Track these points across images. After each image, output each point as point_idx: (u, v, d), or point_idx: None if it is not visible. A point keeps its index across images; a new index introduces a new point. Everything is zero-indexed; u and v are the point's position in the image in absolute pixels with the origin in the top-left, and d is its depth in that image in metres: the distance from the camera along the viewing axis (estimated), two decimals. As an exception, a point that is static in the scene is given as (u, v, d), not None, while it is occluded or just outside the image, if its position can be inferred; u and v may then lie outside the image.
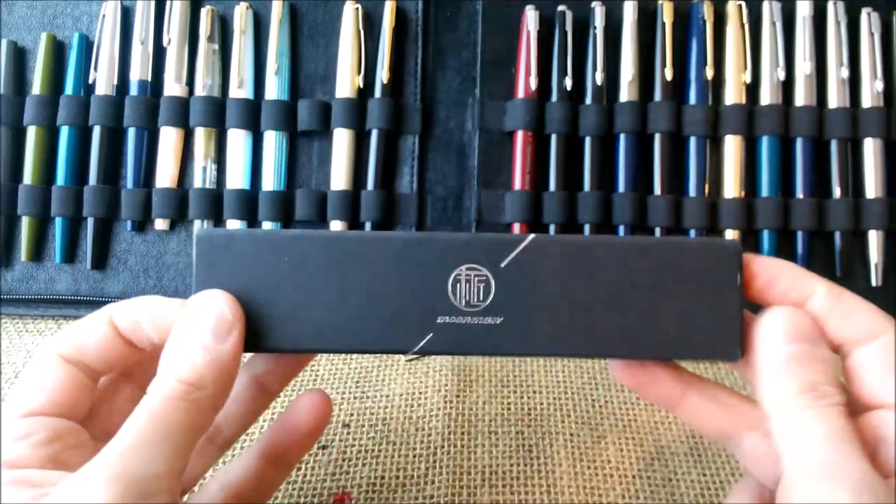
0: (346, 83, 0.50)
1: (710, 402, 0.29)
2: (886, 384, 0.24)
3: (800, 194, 0.48)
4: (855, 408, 0.25)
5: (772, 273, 0.27)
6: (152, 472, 0.22)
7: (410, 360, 0.44)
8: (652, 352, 0.27)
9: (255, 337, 0.27)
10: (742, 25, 0.50)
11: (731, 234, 0.48)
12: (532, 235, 0.27)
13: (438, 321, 0.27)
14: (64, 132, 0.49)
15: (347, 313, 0.27)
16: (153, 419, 0.23)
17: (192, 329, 0.25)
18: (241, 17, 0.50)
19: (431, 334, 0.27)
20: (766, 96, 0.49)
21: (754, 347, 0.25)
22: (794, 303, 0.26)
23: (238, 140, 0.50)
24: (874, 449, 0.23)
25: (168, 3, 0.50)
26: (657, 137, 0.49)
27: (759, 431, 0.28)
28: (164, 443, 0.23)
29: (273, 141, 0.49)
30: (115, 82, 0.50)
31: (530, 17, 0.50)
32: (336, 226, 0.49)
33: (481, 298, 0.27)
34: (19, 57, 0.51)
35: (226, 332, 0.25)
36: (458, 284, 0.27)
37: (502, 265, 0.27)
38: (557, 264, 0.27)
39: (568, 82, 0.50)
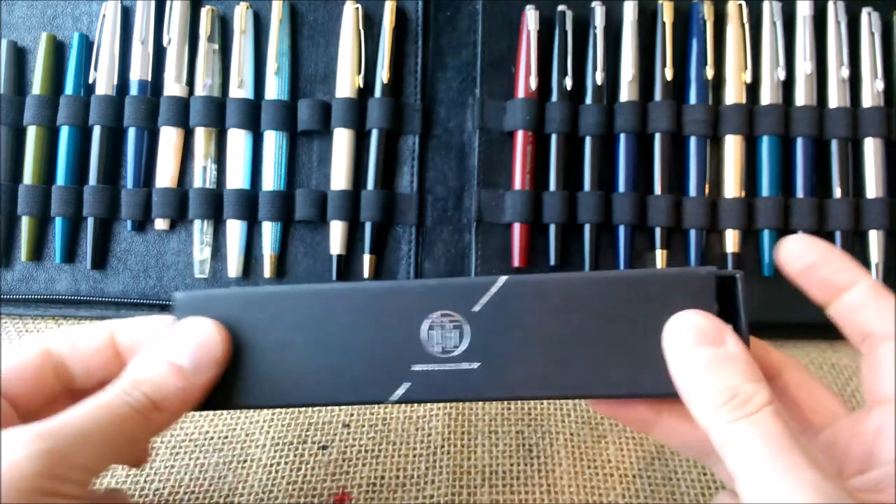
0: (346, 83, 0.50)
1: (684, 422, 0.28)
2: None
3: (800, 194, 0.48)
4: (866, 400, 0.25)
5: (822, 255, 0.27)
6: (79, 463, 0.22)
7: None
8: (634, 390, 0.26)
9: (230, 392, 0.27)
10: (742, 25, 0.50)
11: (730, 234, 0.48)
12: (504, 278, 0.27)
13: (414, 369, 0.27)
14: (64, 132, 0.49)
15: (322, 366, 0.27)
16: (106, 416, 0.23)
17: (174, 350, 0.25)
18: (241, 17, 0.50)
19: (410, 383, 0.27)
20: (767, 96, 0.49)
21: (667, 360, 0.25)
22: (838, 288, 0.26)
23: (238, 140, 0.50)
24: (873, 441, 0.23)
25: (168, 3, 0.50)
26: (657, 137, 0.49)
27: None
28: (104, 442, 0.22)
29: (273, 141, 0.49)
30: (115, 82, 0.50)
31: (530, 16, 0.50)
32: (336, 226, 0.49)
33: (457, 344, 0.27)
34: (19, 57, 0.51)
35: (206, 365, 0.25)
36: (433, 331, 0.27)
37: (476, 309, 0.27)
38: (532, 305, 0.27)
39: (568, 82, 0.50)
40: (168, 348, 0.25)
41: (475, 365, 0.27)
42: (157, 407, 0.24)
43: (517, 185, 0.49)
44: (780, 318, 0.47)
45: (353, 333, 0.27)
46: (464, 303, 0.27)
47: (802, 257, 0.27)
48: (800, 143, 0.49)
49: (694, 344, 0.24)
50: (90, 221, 0.49)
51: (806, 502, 0.20)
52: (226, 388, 0.27)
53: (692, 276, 0.26)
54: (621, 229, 0.48)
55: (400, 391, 0.27)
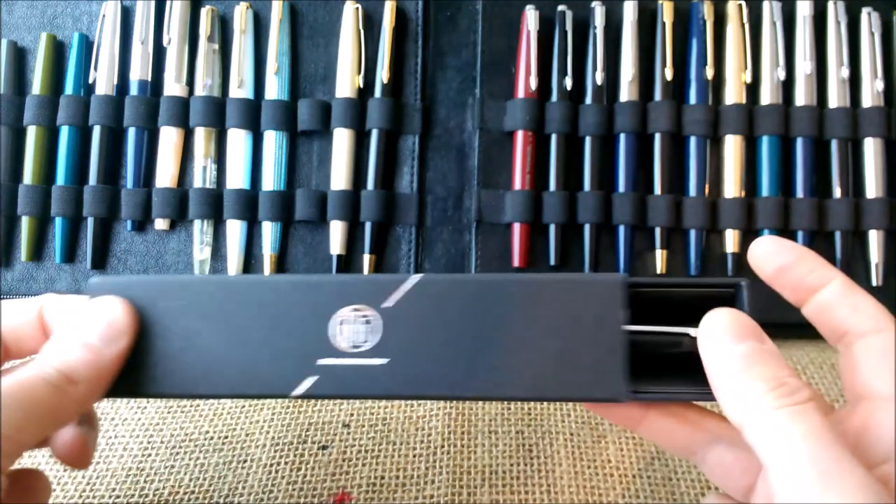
0: (346, 83, 0.50)
1: (671, 419, 0.28)
2: (882, 376, 0.24)
3: (800, 194, 0.48)
4: (847, 398, 0.25)
5: (793, 256, 0.27)
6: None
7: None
8: (539, 392, 0.26)
9: (139, 379, 0.27)
10: (742, 25, 0.50)
11: (731, 234, 0.48)
12: (419, 276, 0.27)
13: (320, 363, 0.26)
14: (64, 132, 0.49)
15: (229, 358, 0.27)
16: (17, 389, 0.23)
17: (83, 326, 0.26)
18: (241, 17, 0.50)
19: (318, 377, 0.26)
20: (767, 96, 0.49)
21: (703, 358, 0.25)
22: (810, 288, 0.26)
23: (238, 140, 0.50)
24: (857, 439, 0.23)
25: (168, 3, 0.50)
26: (657, 137, 0.49)
27: (723, 442, 0.27)
28: (18, 414, 0.23)
29: (273, 141, 0.49)
30: (115, 82, 0.50)
31: (530, 17, 0.50)
32: (336, 226, 0.49)
33: (367, 340, 0.27)
34: (19, 57, 0.51)
35: (112, 338, 0.26)
36: (343, 326, 0.27)
37: (389, 306, 0.27)
38: (446, 304, 0.26)
39: (568, 82, 0.50)
40: (77, 323, 0.26)
41: (383, 361, 0.26)
42: (70, 380, 0.24)
43: (517, 185, 0.49)
44: (780, 318, 0.46)
45: (261, 326, 0.27)
46: (376, 298, 0.27)
47: (773, 259, 0.27)
48: (800, 143, 0.49)
49: (735, 339, 0.24)
50: (90, 221, 0.49)
51: (850, 502, 0.20)
52: (135, 375, 0.27)
53: (603, 281, 0.27)
54: (621, 229, 0.48)
55: (304, 385, 0.26)
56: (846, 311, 0.25)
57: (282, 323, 0.27)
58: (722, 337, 0.24)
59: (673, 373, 0.28)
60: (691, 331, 0.27)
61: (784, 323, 0.46)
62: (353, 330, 0.27)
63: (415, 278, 0.27)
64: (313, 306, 0.27)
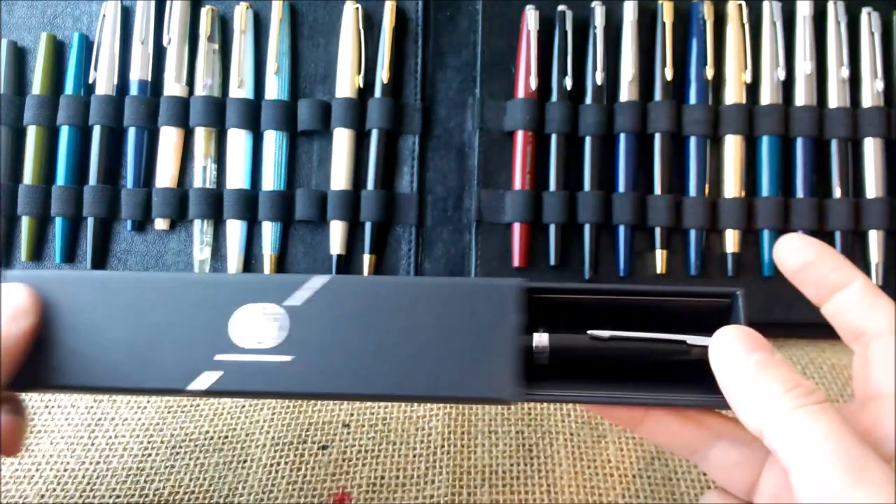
0: (346, 83, 0.50)
1: (673, 417, 0.28)
2: (893, 377, 0.24)
3: (800, 194, 0.48)
4: (858, 397, 0.25)
5: (817, 254, 0.27)
6: None
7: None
8: (435, 391, 0.27)
9: (43, 370, 0.27)
10: (742, 25, 0.50)
11: (731, 234, 0.48)
12: (328, 277, 0.27)
13: (219, 359, 0.27)
14: (64, 132, 0.49)
15: (130, 353, 0.27)
16: None
17: None
18: (241, 17, 0.50)
19: (217, 373, 0.27)
20: (767, 96, 0.49)
21: (716, 371, 0.25)
22: (832, 286, 0.26)
23: (238, 140, 0.50)
24: (866, 437, 0.23)
25: (168, 3, 0.50)
26: (657, 137, 0.49)
27: (725, 440, 0.28)
28: None
29: (273, 141, 0.49)
30: (115, 82, 0.50)
31: (530, 16, 0.50)
32: (336, 226, 0.49)
33: (272, 337, 0.27)
34: (19, 57, 0.51)
35: (14, 317, 0.27)
36: (245, 323, 0.27)
37: (297, 304, 0.27)
38: (353, 305, 0.27)
39: (568, 82, 0.50)
40: None
41: (288, 358, 0.27)
42: None
43: (517, 185, 0.49)
44: (780, 318, 0.47)
45: (164, 322, 0.27)
46: (285, 297, 0.27)
47: (798, 256, 0.27)
48: (800, 143, 0.49)
49: (747, 350, 0.24)
50: (90, 221, 0.49)
51: (876, 502, 0.20)
52: (42, 367, 0.27)
53: (499, 286, 0.27)
54: (621, 229, 0.48)
55: (201, 381, 0.27)
56: (864, 312, 0.26)
57: (183, 319, 0.27)
58: (735, 348, 0.24)
59: (677, 380, 0.28)
60: (688, 338, 0.28)
61: (783, 323, 0.47)
62: (257, 327, 0.27)
63: (324, 279, 0.27)
64: (216, 303, 0.27)
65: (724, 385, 0.25)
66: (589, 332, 0.28)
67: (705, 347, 0.26)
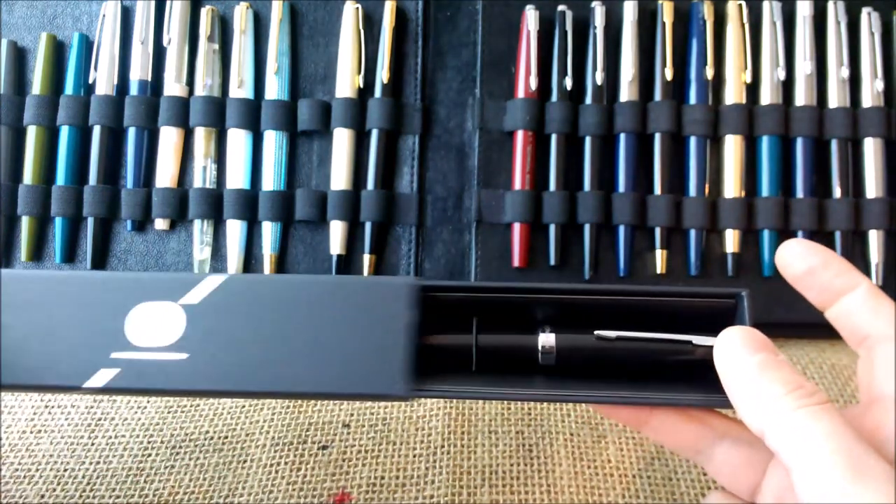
0: (346, 83, 0.50)
1: (677, 417, 0.29)
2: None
3: (800, 194, 0.48)
4: (862, 400, 0.26)
5: (821, 259, 0.27)
6: None
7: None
8: (329, 388, 0.27)
9: None
10: (742, 25, 0.50)
11: (731, 234, 0.48)
12: (224, 275, 0.28)
13: (114, 357, 0.27)
14: (64, 132, 0.49)
15: (32, 351, 0.27)
16: None
17: None
18: (241, 17, 0.50)
19: (111, 371, 0.27)
20: (767, 96, 0.49)
21: (720, 371, 0.25)
22: (836, 291, 0.27)
23: (238, 140, 0.50)
24: (870, 439, 0.23)
25: (168, 3, 0.50)
26: (657, 137, 0.49)
27: (728, 440, 0.28)
28: None
29: (273, 141, 0.49)
30: (115, 82, 0.50)
31: (530, 16, 0.50)
32: (336, 226, 0.49)
33: (168, 335, 0.27)
34: (19, 57, 0.51)
35: None
36: (142, 321, 0.27)
37: (193, 303, 0.28)
38: (247, 304, 0.27)
39: (568, 82, 0.50)
40: None
41: (183, 356, 0.27)
42: None
43: (517, 185, 0.49)
44: (780, 318, 0.47)
45: (62, 320, 0.28)
46: (181, 296, 0.28)
47: (802, 261, 0.27)
48: (800, 143, 0.49)
49: (750, 351, 0.24)
50: (90, 221, 0.49)
51: (876, 500, 0.20)
52: None
53: (391, 284, 0.28)
54: (621, 229, 0.48)
55: (98, 378, 0.27)
56: (869, 316, 0.26)
57: (81, 317, 0.28)
58: (739, 349, 0.25)
59: (680, 381, 0.28)
60: (694, 338, 0.28)
61: (783, 323, 0.47)
62: (152, 325, 0.27)
63: (220, 277, 0.28)
64: (113, 302, 0.28)
65: (727, 385, 0.25)
66: (596, 332, 0.28)
67: (709, 348, 0.26)
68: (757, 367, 0.24)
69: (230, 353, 0.27)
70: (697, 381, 0.27)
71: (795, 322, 0.45)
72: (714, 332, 0.26)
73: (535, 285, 0.29)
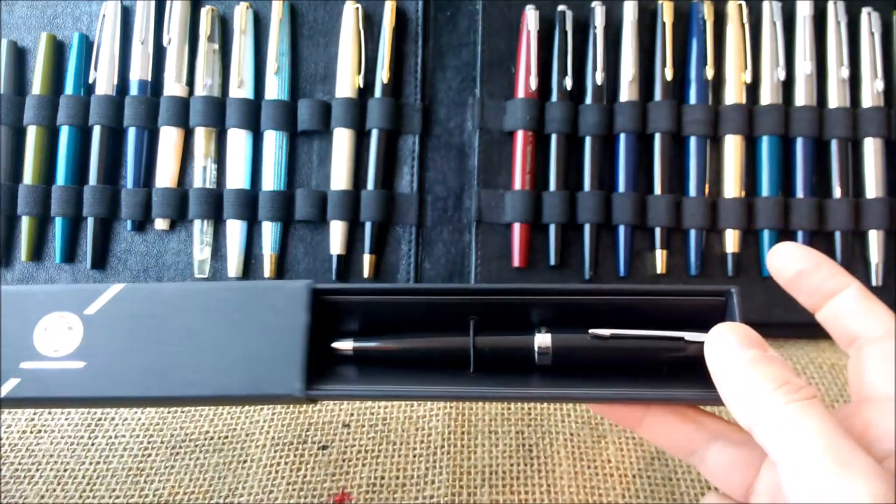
0: (346, 83, 0.50)
1: (672, 416, 0.29)
2: (886, 379, 0.24)
3: (800, 194, 0.48)
4: (853, 400, 0.26)
5: (811, 261, 0.27)
6: None
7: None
8: (225, 391, 0.28)
9: None
10: (742, 25, 0.50)
11: (731, 234, 0.48)
12: (121, 285, 0.29)
13: (23, 367, 0.28)
14: (64, 132, 0.49)
15: None
16: None
17: None
18: (241, 17, 0.50)
19: (19, 380, 0.28)
20: (767, 96, 0.49)
21: (710, 366, 0.25)
22: (826, 293, 0.27)
23: (238, 140, 0.50)
24: (860, 437, 0.23)
25: (168, 3, 0.50)
26: (657, 137, 0.49)
27: (722, 441, 0.28)
28: None
29: (273, 141, 0.49)
30: (115, 82, 0.50)
31: (530, 16, 0.50)
32: (336, 226, 0.49)
33: (67, 345, 0.28)
34: (19, 57, 0.51)
35: None
36: (46, 332, 0.28)
37: (91, 313, 0.28)
38: (143, 311, 0.28)
39: (568, 82, 0.50)
40: None
41: (80, 365, 0.28)
42: None
43: (517, 185, 0.49)
44: (780, 318, 0.47)
45: None
46: (80, 306, 0.28)
47: (793, 265, 0.28)
48: (800, 143, 0.49)
49: (741, 347, 0.24)
50: (90, 221, 0.49)
51: (862, 493, 0.20)
52: None
53: (289, 287, 0.28)
54: (621, 229, 0.48)
55: (4, 388, 0.28)
56: (859, 317, 0.26)
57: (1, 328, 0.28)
58: (729, 345, 0.25)
59: (674, 379, 0.29)
60: (686, 335, 0.28)
61: (783, 323, 0.47)
62: (54, 335, 0.28)
63: (117, 287, 0.29)
64: (27, 313, 0.29)
65: (717, 380, 0.25)
66: (590, 330, 0.28)
67: (702, 344, 0.26)
68: (746, 362, 0.24)
69: (126, 360, 0.28)
70: (691, 378, 0.28)
71: (795, 322, 0.45)
72: (707, 329, 0.26)
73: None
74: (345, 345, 0.29)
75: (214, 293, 0.29)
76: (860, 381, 0.25)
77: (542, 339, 0.29)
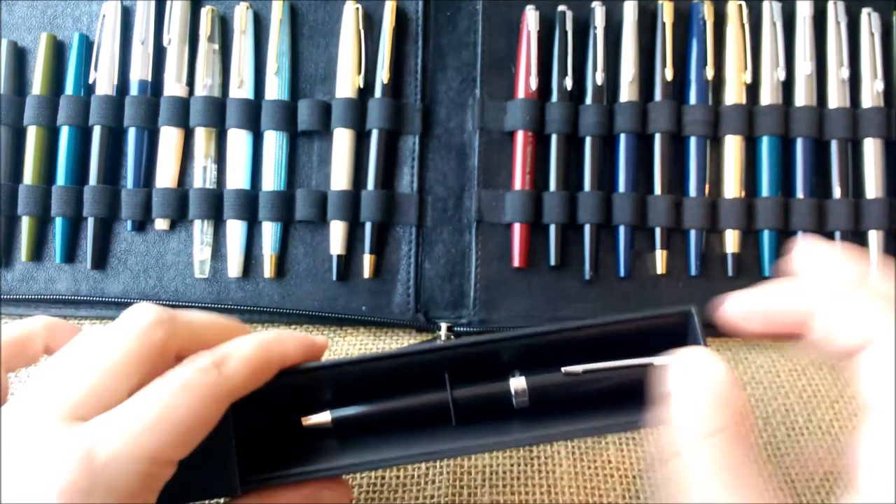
0: (346, 83, 0.50)
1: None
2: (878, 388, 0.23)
3: (800, 194, 0.48)
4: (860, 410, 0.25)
5: (761, 300, 0.26)
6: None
7: None
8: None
9: None
10: (742, 25, 0.50)
11: (731, 234, 0.48)
12: None
13: None
14: (64, 132, 0.49)
15: None
16: None
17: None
18: (241, 17, 0.50)
19: None
20: (767, 96, 0.49)
21: (671, 396, 0.25)
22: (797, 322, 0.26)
23: (238, 140, 0.50)
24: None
25: (168, 3, 0.50)
26: (657, 137, 0.49)
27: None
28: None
29: (273, 141, 0.49)
30: (116, 82, 0.50)
31: (530, 17, 0.50)
32: (336, 226, 0.49)
33: None
34: (19, 57, 0.51)
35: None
36: None
37: None
38: None
39: (568, 82, 0.50)
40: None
41: None
42: None
43: (517, 185, 0.49)
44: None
45: None
46: None
47: (747, 315, 0.26)
48: (800, 143, 0.49)
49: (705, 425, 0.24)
50: (90, 221, 0.49)
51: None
52: None
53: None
54: (621, 229, 0.48)
55: None
56: (854, 323, 0.25)
57: None
58: (685, 384, 0.24)
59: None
60: (654, 360, 0.28)
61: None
62: None
63: None
64: None
65: (673, 412, 0.24)
66: (563, 368, 0.28)
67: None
68: (704, 437, 0.23)
69: None
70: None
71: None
72: (678, 341, 0.27)
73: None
74: (320, 418, 0.29)
75: None
76: (856, 390, 0.25)
77: (517, 383, 0.29)
